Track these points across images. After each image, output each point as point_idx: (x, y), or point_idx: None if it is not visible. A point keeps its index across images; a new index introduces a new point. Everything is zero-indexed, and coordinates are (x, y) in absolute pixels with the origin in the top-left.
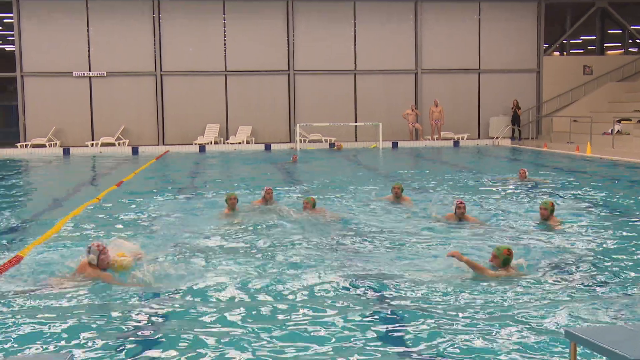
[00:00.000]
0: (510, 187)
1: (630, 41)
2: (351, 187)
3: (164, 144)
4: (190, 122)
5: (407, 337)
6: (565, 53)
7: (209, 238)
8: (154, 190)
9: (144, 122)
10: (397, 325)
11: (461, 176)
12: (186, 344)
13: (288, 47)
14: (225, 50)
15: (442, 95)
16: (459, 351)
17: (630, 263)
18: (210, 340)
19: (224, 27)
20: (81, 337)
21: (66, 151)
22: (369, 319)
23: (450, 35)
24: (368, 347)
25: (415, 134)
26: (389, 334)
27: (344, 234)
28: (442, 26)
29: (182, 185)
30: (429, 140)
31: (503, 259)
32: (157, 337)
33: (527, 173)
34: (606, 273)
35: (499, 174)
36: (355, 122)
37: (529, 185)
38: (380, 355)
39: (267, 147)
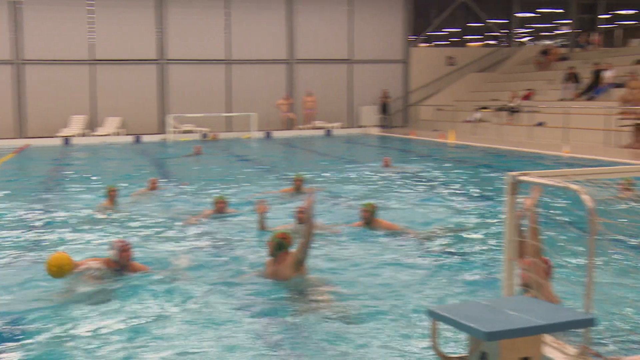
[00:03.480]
0: (374, 174)
1: (488, 34)
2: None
3: (24, 137)
4: (54, 113)
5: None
6: (430, 44)
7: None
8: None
9: (1, 114)
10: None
11: (330, 165)
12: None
13: (159, 35)
14: (90, 39)
15: (315, 84)
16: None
17: (485, 247)
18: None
19: (91, 14)
20: None
21: None
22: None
23: (323, 25)
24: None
25: (289, 124)
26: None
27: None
28: (314, 16)
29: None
30: (302, 129)
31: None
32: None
33: (390, 161)
34: (461, 252)
35: (367, 161)
36: (229, 112)
37: (391, 173)
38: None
39: (138, 139)
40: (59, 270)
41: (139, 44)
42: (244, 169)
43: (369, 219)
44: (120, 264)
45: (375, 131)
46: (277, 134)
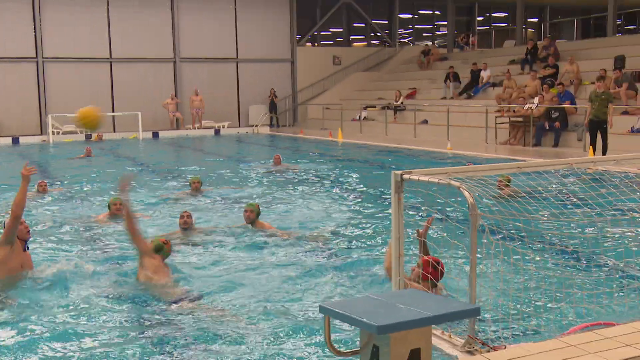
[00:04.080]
0: (265, 172)
1: (372, 34)
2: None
3: None
4: None
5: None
6: (316, 44)
7: None
8: None
9: None
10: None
11: (221, 164)
12: None
13: (35, 32)
14: None
15: (202, 84)
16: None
17: (373, 244)
18: None
19: None
20: None
21: None
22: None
23: (209, 24)
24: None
25: (176, 123)
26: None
27: None
28: (200, 14)
29: None
30: (190, 129)
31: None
32: None
33: (281, 159)
34: (350, 249)
35: (257, 160)
36: (113, 112)
37: (283, 171)
38: None
39: (15, 141)
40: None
41: (15, 41)
42: (135, 170)
43: (253, 219)
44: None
45: (265, 130)
46: (164, 134)
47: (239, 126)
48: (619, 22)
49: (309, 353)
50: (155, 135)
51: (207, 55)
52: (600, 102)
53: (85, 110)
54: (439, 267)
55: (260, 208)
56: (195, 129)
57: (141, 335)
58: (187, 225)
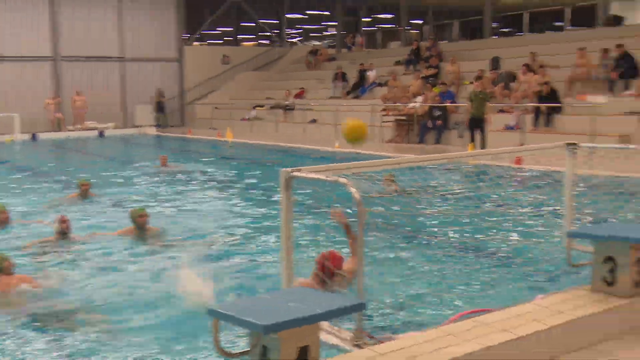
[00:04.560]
0: (153, 174)
1: (261, 33)
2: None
3: None
4: None
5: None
6: (205, 43)
7: None
8: None
9: None
10: None
11: (107, 167)
12: None
13: None
14: None
15: (84, 83)
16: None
17: (263, 242)
18: None
19: None
20: None
21: None
22: None
23: (91, 21)
24: None
25: (58, 125)
26: None
27: None
28: (81, 12)
29: None
30: (72, 130)
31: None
32: None
33: (167, 159)
34: (241, 249)
35: (143, 161)
36: None
37: (170, 172)
38: None
39: None
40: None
41: None
42: (12, 175)
43: (143, 224)
44: None
45: (152, 131)
46: (44, 136)
47: (125, 127)
48: (495, 25)
49: (204, 357)
50: (34, 137)
51: (90, 54)
52: (479, 102)
53: (353, 124)
54: (328, 263)
55: (149, 211)
56: (77, 130)
57: None
58: (64, 231)
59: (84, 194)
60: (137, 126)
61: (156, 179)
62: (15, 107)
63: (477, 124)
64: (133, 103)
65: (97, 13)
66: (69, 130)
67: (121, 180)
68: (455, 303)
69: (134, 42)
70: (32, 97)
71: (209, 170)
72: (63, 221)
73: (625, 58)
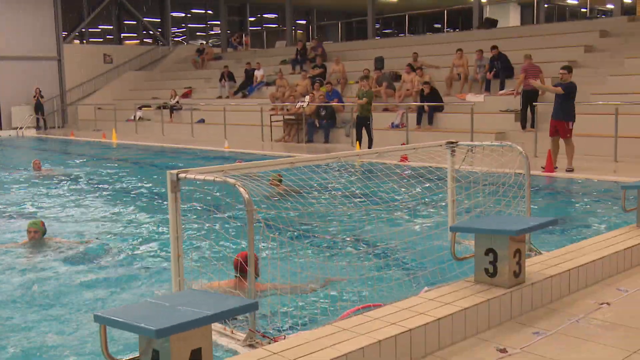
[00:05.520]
0: (27, 179)
1: (145, 32)
2: None
3: None
4: None
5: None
6: (85, 42)
7: None
8: None
9: None
10: None
11: None
12: None
13: None
14: None
15: None
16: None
17: (152, 246)
18: None
19: None
20: None
21: None
22: None
23: None
24: None
25: None
26: None
27: None
28: None
29: None
30: None
31: None
32: None
33: (40, 164)
34: (128, 254)
35: (17, 166)
36: None
37: (47, 176)
38: None
39: None
40: None
41: None
42: None
43: (38, 239)
44: None
45: (31, 133)
46: None
47: (1, 129)
48: (377, 26)
49: None
50: None
51: None
52: (365, 101)
53: None
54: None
55: (20, 219)
56: None
57: None
58: None
59: None
60: (14, 128)
61: (33, 184)
62: None
63: (363, 122)
64: (9, 104)
65: None
66: None
67: None
68: (346, 299)
69: (8, 40)
70: None
71: (93, 172)
72: None
73: (500, 59)
